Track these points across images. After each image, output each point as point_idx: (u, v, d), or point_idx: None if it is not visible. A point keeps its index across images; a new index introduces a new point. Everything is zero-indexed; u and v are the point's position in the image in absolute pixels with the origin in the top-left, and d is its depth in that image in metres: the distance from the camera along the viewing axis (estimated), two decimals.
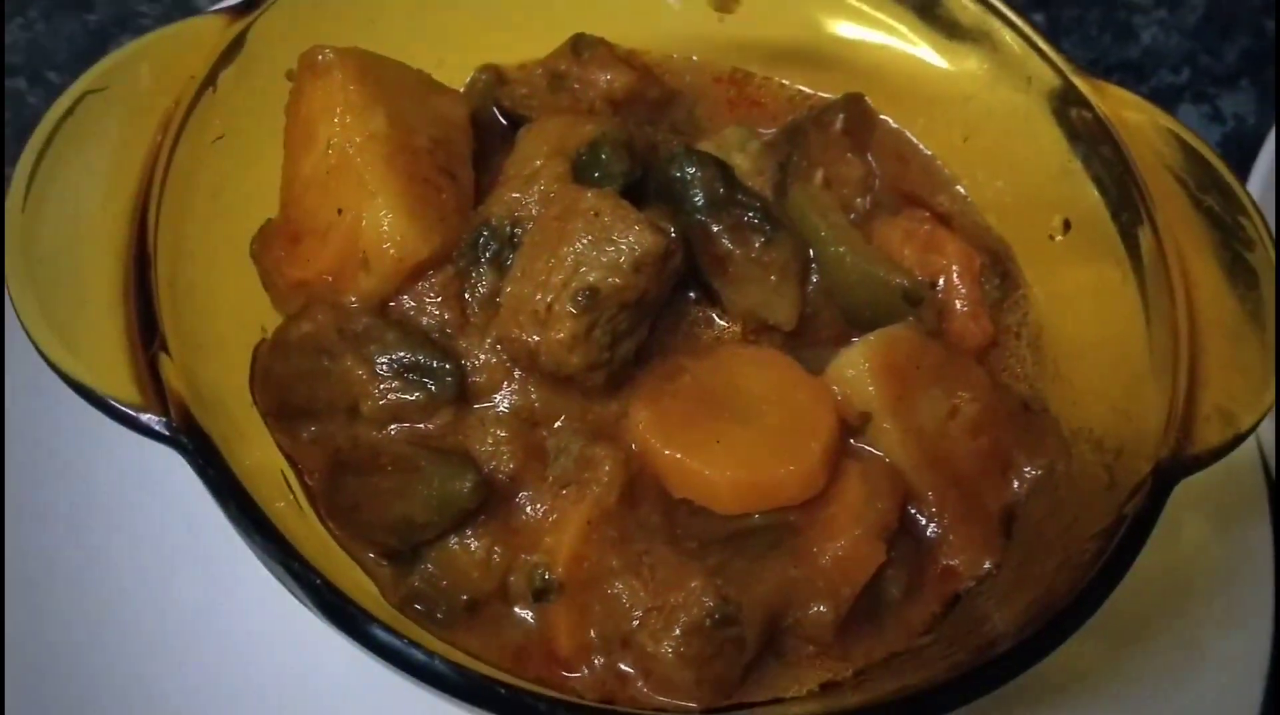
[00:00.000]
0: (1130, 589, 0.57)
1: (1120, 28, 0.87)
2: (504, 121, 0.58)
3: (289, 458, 0.49)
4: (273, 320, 0.51)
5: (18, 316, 0.41)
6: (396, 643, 0.39)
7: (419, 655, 0.38)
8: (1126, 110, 0.53)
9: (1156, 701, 0.56)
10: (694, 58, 0.62)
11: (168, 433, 0.40)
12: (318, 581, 0.39)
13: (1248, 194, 0.51)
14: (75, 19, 0.74)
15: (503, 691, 0.39)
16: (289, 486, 0.48)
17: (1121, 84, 0.80)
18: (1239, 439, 0.46)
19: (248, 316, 0.51)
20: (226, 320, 0.50)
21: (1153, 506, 0.44)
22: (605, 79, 0.57)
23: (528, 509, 0.48)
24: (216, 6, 0.51)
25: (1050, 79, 0.55)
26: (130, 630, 0.53)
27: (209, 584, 0.54)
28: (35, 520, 0.54)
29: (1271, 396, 0.47)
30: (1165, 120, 0.53)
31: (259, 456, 0.48)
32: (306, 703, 0.54)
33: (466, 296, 0.50)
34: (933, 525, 0.50)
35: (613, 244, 0.47)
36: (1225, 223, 0.51)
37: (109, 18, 0.75)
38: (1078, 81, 0.54)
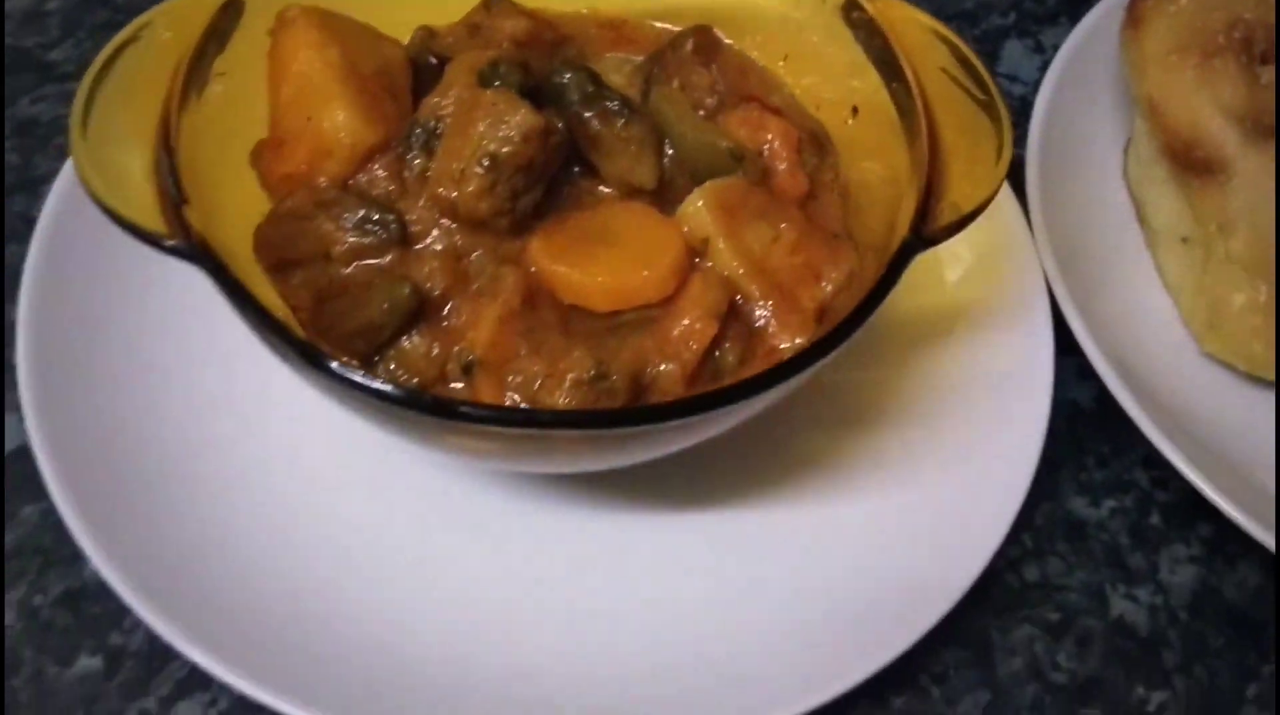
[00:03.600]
0: (917, 390, 0.74)
1: None
2: (435, 62, 0.74)
3: (285, 300, 0.66)
4: None
5: (83, 183, 0.58)
6: (348, 372, 0.55)
7: (363, 379, 0.54)
8: (890, 10, 0.70)
9: (925, 479, 0.72)
10: (583, 10, 0.80)
11: (190, 252, 0.57)
12: (296, 338, 0.56)
13: (979, 60, 0.68)
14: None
15: (429, 399, 0.55)
16: (289, 322, 0.65)
17: (958, 29, 0.98)
18: (964, 220, 0.62)
19: (251, 210, 0.68)
20: (235, 209, 0.67)
21: (890, 273, 0.60)
22: (509, 25, 0.74)
23: (455, 317, 0.64)
24: None
25: None
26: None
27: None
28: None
29: (986, 193, 0.63)
30: (914, 12, 0.69)
31: (264, 297, 0.64)
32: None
33: (405, 174, 0.66)
34: (761, 315, 0.66)
35: (505, 123, 0.64)
36: (967, 85, 0.67)
37: None
38: None
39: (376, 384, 0.54)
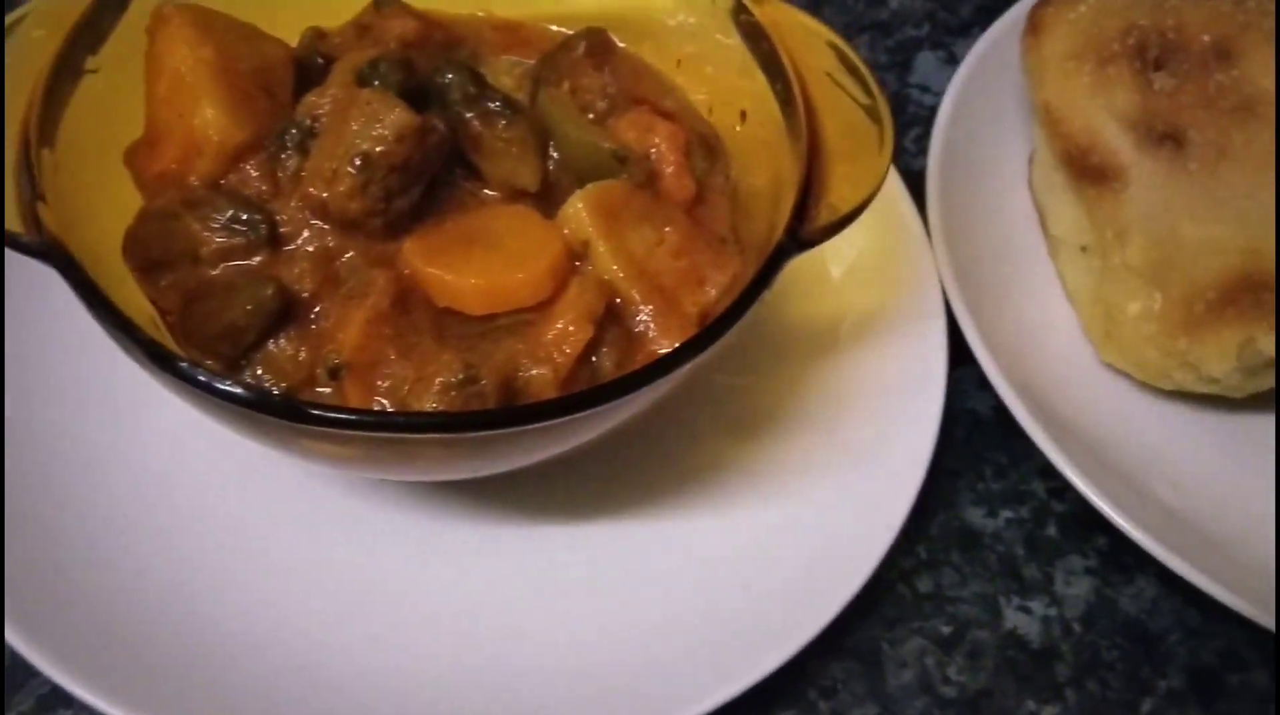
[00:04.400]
0: (811, 399, 0.72)
1: None
2: (323, 63, 0.72)
3: (154, 304, 0.63)
4: None
5: None
6: (196, 373, 0.52)
7: (210, 380, 0.52)
8: (778, 14, 0.69)
9: (815, 488, 0.70)
10: (479, 13, 0.78)
11: (42, 249, 0.55)
12: (150, 342, 0.54)
13: (864, 63, 0.66)
14: None
15: (277, 401, 0.53)
16: (156, 326, 0.63)
17: (872, 40, 0.96)
18: (841, 222, 0.60)
19: (127, 212, 0.66)
20: (110, 209, 0.64)
21: (763, 274, 0.58)
22: (397, 26, 0.72)
23: (324, 320, 0.62)
24: None
25: (725, 2, 0.70)
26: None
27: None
28: None
29: (864, 195, 0.61)
30: (801, 17, 0.68)
31: (134, 303, 0.62)
32: None
33: (278, 173, 0.64)
34: (641, 319, 0.64)
35: (380, 122, 0.62)
36: (851, 89, 0.66)
37: None
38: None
39: (224, 386, 0.52)
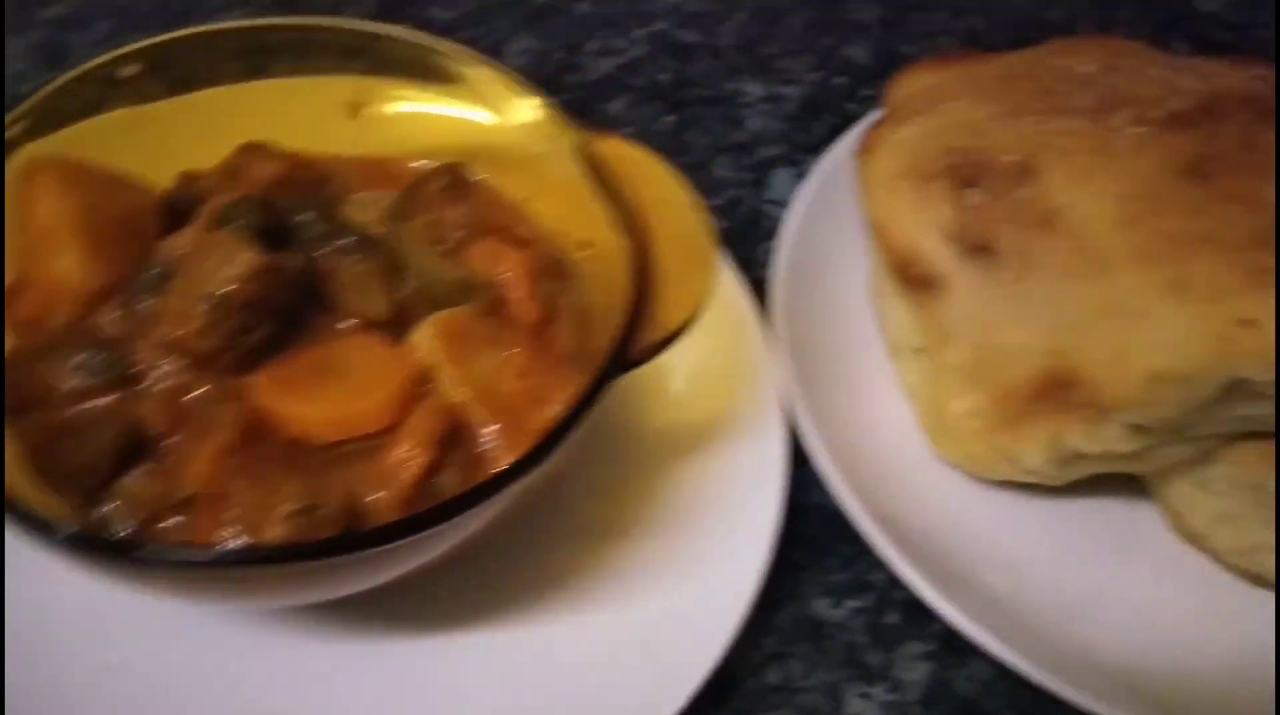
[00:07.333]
0: (658, 503, 0.70)
1: (733, 120, 1.02)
2: (194, 205, 0.70)
3: (23, 443, 0.60)
4: None
5: None
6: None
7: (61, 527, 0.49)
8: (618, 149, 0.68)
9: (659, 589, 0.68)
10: (344, 152, 0.76)
11: None
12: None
13: (691, 190, 0.65)
14: None
15: (102, 541, 0.50)
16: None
17: (736, 159, 0.96)
18: (662, 342, 0.59)
19: None
20: None
21: (589, 394, 0.57)
22: (259, 169, 0.71)
23: (176, 453, 0.59)
24: None
25: (570, 137, 0.69)
26: None
27: None
28: None
29: (686, 316, 0.60)
30: (637, 151, 0.67)
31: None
32: None
33: (136, 315, 0.62)
34: (486, 438, 0.62)
35: (230, 263, 0.60)
36: (685, 216, 0.65)
37: None
38: (582, 135, 0.68)
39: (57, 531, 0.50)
